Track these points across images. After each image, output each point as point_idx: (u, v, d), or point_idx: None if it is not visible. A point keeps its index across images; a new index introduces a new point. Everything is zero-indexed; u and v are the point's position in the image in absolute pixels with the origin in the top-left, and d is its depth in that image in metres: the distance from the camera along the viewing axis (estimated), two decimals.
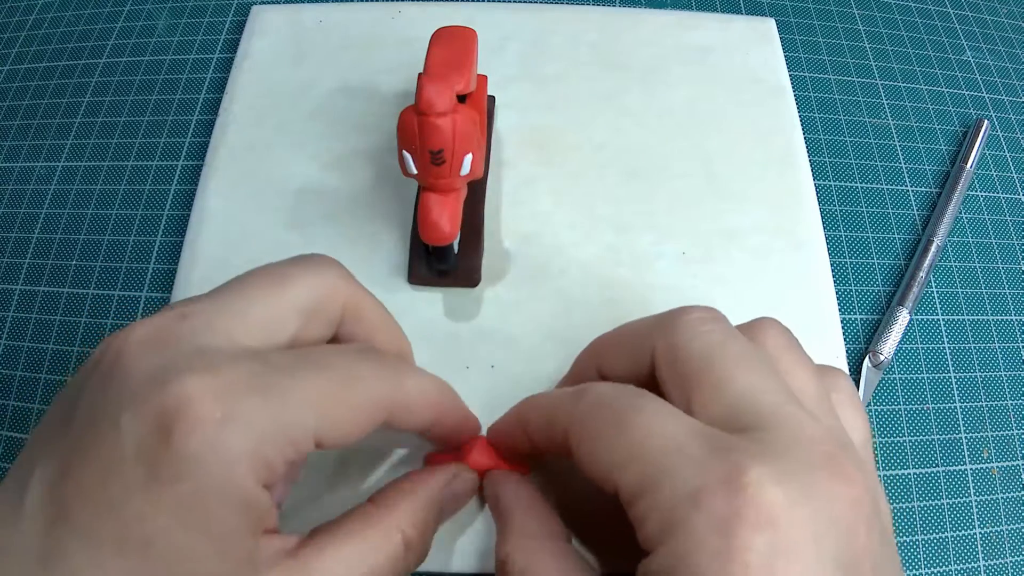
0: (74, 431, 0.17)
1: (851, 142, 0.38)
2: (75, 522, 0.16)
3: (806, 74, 0.40)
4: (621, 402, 0.19)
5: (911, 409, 0.31)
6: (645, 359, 0.21)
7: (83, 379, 0.18)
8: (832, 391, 0.21)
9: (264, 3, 0.40)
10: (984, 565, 0.29)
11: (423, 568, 0.26)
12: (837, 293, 0.32)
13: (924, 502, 0.30)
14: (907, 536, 0.29)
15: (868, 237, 0.35)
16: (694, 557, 0.16)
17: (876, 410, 0.31)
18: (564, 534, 0.22)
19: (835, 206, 0.36)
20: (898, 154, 0.38)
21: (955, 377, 0.32)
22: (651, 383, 0.21)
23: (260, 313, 0.19)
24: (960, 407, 0.32)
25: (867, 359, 0.32)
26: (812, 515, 0.16)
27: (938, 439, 0.31)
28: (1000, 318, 0.34)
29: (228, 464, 0.17)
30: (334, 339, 0.22)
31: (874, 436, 0.31)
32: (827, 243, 0.33)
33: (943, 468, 0.30)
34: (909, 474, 0.30)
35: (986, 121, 0.38)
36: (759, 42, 0.38)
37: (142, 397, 0.17)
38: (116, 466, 0.16)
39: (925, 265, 0.34)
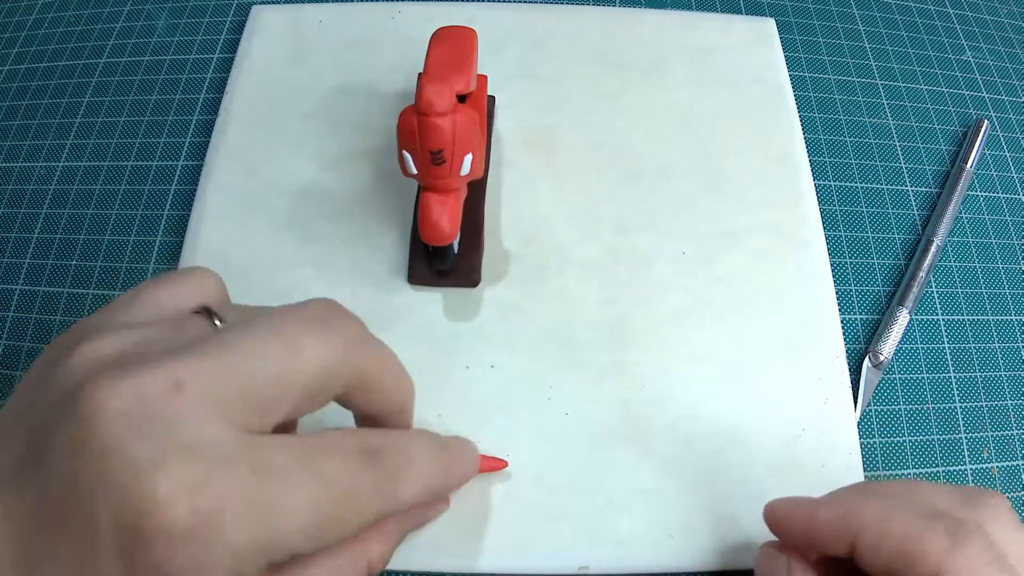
0: (45, 485, 0.16)
1: (851, 142, 0.38)
2: None
3: (806, 74, 0.40)
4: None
5: (911, 409, 0.31)
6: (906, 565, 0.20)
7: (53, 413, 0.17)
8: None
9: (264, 3, 0.40)
10: None
11: (422, 568, 0.26)
12: (837, 293, 0.32)
13: None
14: None
15: (868, 237, 0.35)
16: None
17: (876, 410, 0.31)
18: None
19: (835, 206, 0.36)
20: (898, 154, 0.38)
21: (955, 377, 0.32)
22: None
23: (264, 390, 0.18)
24: (960, 407, 0.32)
25: (867, 359, 0.32)
26: None
27: (938, 439, 0.31)
28: (1000, 318, 0.34)
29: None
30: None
31: (875, 436, 0.31)
32: (827, 243, 0.33)
33: (943, 468, 0.30)
34: (909, 474, 0.30)
35: (986, 121, 0.38)
36: (759, 42, 0.38)
37: (122, 491, 0.15)
38: (92, 557, 0.16)
39: (925, 265, 0.34)
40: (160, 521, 0.15)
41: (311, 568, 0.19)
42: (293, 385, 0.18)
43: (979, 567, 0.19)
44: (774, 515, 0.24)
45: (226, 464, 0.16)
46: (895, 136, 0.38)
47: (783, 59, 0.38)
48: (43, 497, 0.16)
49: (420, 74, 0.24)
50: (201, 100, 0.38)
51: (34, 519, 0.16)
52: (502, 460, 0.27)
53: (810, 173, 0.34)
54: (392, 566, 0.26)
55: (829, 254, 0.33)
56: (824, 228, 0.33)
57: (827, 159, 0.37)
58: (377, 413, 0.22)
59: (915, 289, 0.33)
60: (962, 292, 0.34)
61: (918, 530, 0.20)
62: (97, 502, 0.15)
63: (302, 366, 0.18)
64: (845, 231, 0.35)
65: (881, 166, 0.37)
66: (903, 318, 0.32)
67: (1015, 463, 0.31)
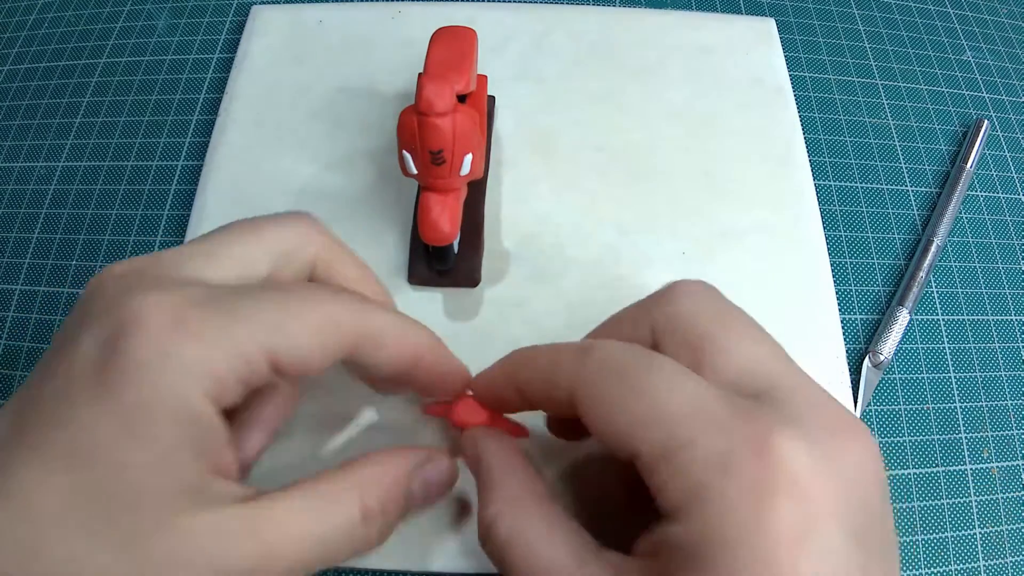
0: (44, 358, 0.18)
1: (851, 142, 0.38)
2: (29, 438, 0.16)
3: (806, 74, 0.40)
4: (636, 362, 0.18)
5: (911, 409, 0.31)
6: (644, 334, 0.21)
7: (68, 316, 0.19)
8: None
9: (264, 3, 0.40)
10: (984, 565, 0.29)
11: (425, 568, 0.26)
12: (837, 293, 0.32)
13: (924, 502, 0.30)
14: (907, 536, 0.29)
15: (868, 237, 0.35)
16: (724, 525, 0.15)
17: (876, 410, 0.31)
18: (551, 496, 0.21)
19: (835, 206, 0.36)
20: (898, 154, 0.38)
21: (955, 377, 0.32)
22: None
23: (232, 253, 0.20)
24: (960, 407, 0.32)
25: (867, 359, 0.32)
26: (835, 483, 0.16)
27: (938, 439, 0.31)
28: (1000, 318, 0.34)
29: (176, 372, 0.17)
30: None
31: (875, 435, 0.31)
32: (827, 243, 0.33)
33: (943, 468, 0.30)
34: (909, 474, 0.30)
35: (986, 121, 0.38)
36: (759, 42, 0.38)
37: (102, 314, 0.17)
38: (70, 380, 0.17)
39: (925, 265, 0.34)
40: (137, 323, 0.17)
41: (295, 494, 0.19)
42: (259, 251, 0.21)
43: (608, 362, 0.19)
44: (477, 392, 0.24)
45: (196, 285, 0.19)
46: (895, 136, 0.38)
47: (783, 59, 0.38)
48: (41, 364, 0.18)
49: (420, 74, 0.24)
50: (201, 100, 0.38)
51: (30, 388, 0.18)
52: (524, 428, 0.25)
53: (810, 173, 0.34)
54: (390, 566, 0.26)
55: (829, 254, 0.33)
56: (824, 228, 0.33)
57: (827, 159, 0.37)
58: (384, 367, 0.21)
59: (915, 289, 0.33)
60: (962, 292, 0.34)
61: (554, 358, 0.20)
62: (82, 333, 0.17)
63: (268, 236, 0.21)
64: (845, 231, 0.35)
65: (881, 166, 0.37)
66: (903, 318, 0.32)
67: (1015, 463, 0.31)
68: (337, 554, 0.19)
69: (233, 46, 0.39)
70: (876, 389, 0.32)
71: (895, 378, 0.32)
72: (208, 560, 0.16)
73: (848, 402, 0.30)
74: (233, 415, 0.21)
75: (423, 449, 0.22)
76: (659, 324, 0.20)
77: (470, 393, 0.25)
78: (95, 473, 0.16)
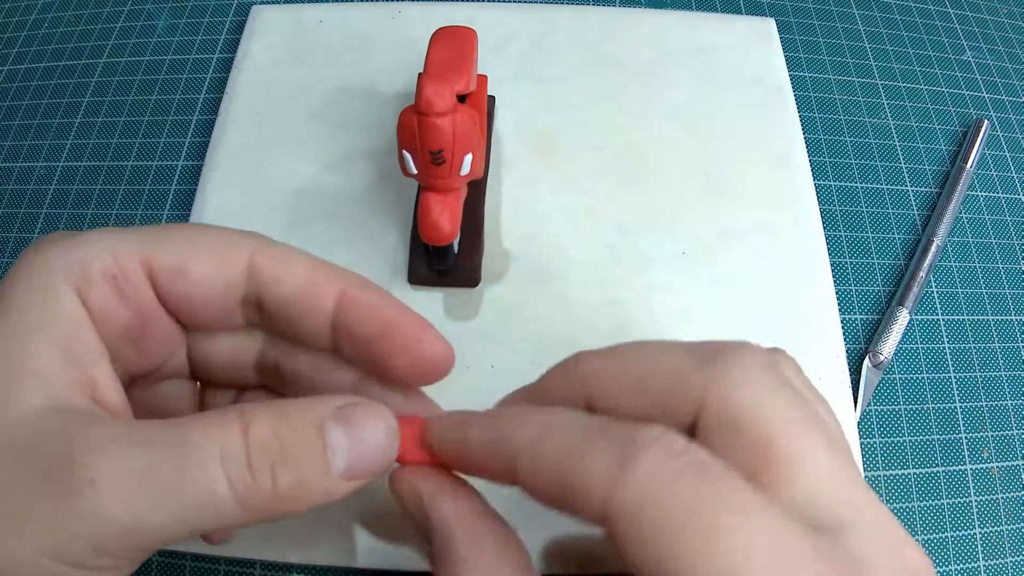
0: None
1: (851, 142, 0.38)
2: None
3: (806, 74, 0.40)
4: (702, 487, 0.14)
5: (911, 409, 0.31)
6: (676, 410, 0.16)
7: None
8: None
9: (264, 3, 0.40)
10: (984, 565, 0.29)
11: (420, 568, 0.26)
12: (837, 293, 0.32)
13: (924, 502, 0.30)
14: None
15: (868, 237, 0.35)
16: None
17: (876, 410, 0.31)
18: (529, 563, 0.17)
19: (835, 206, 0.36)
20: (898, 154, 0.38)
21: (955, 377, 0.32)
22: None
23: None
24: (960, 407, 0.32)
25: (867, 359, 0.32)
26: None
27: (938, 439, 0.31)
28: (1000, 318, 0.34)
29: (42, 257, 0.17)
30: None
31: (875, 436, 0.31)
32: (827, 243, 0.33)
33: (943, 468, 0.30)
34: (909, 474, 0.30)
35: (986, 121, 0.38)
36: (759, 42, 0.38)
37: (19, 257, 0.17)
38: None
39: (925, 265, 0.34)
40: (37, 244, 0.17)
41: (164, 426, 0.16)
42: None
43: (662, 486, 0.14)
44: (429, 437, 0.18)
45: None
46: (895, 136, 0.38)
47: (783, 59, 0.38)
48: None
49: (420, 74, 0.24)
50: (201, 100, 0.38)
51: None
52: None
53: (810, 173, 0.34)
54: (387, 566, 0.26)
55: (829, 254, 0.33)
56: (824, 228, 0.33)
57: (827, 159, 0.37)
58: (299, 305, 0.19)
59: (915, 289, 0.33)
60: (962, 292, 0.34)
61: (578, 453, 0.15)
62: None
63: (206, 235, 0.19)
64: (845, 231, 0.35)
65: (881, 166, 0.37)
66: (903, 318, 0.32)
67: (1015, 463, 0.31)
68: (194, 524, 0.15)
69: (233, 46, 0.39)
70: (876, 389, 0.32)
71: (895, 378, 0.32)
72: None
73: (848, 402, 0.30)
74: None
75: (344, 396, 0.17)
76: (707, 416, 0.16)
77: (420, 414, 0.19)
78: None
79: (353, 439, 0.16)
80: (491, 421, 0.17)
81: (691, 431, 0.16)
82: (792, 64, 0.39)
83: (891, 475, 0.30)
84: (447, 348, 0.19)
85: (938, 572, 0.29)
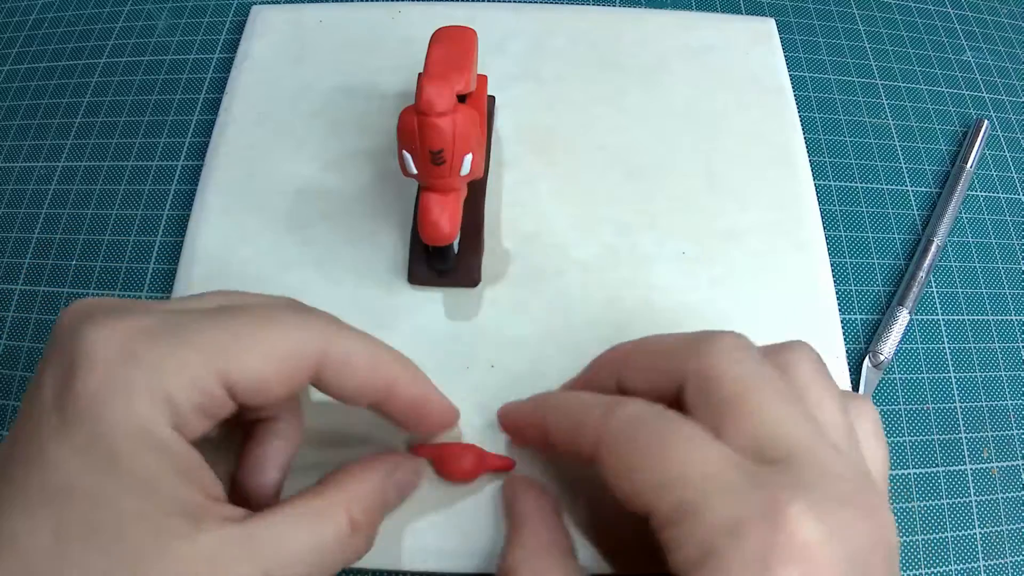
0: (23, 399, 0.18)
1: (851, 142, 0.38)
2: (10, 479, 0.17)
3: (806, 74, 0.40)
4: (659, 424, 0.19)
5: (911, 409, 0.31)
6: (673, 380, 0.21)
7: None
8: (857, 420, 0.21)
9: (264, 3, 0.40)
10: (984, 565, 0.29)
11: (419, 568, 0.26)
12: (837, 293, 0.32)
13: (924, 502, 0.30)
14: (907, 536, 0.29)
15: (868, 237, 0.35)
16: None
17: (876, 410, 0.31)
18: (572, 550, 0.22)
19: (835, 206, 0.36)
20: (898, 154, 0.38)
21: (955, 377, 0.32)
22: (674, 403, 0.21)
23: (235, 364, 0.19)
24: (960, 407, 0.32)
25: (867, 359, 0.32)
26: (841, 552, 0.16)
27: (938, 439, 0.31)
28: (1000, 318, 0.34)
29: (127, 399, 0.17)
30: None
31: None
32: (827, 243, 0.33)
33: (943, 468, 0.30)
34: (909, 474, 0.30)
35: (986, 121, 0.38)
36: (759, 42, 0.38)
37: (58, 351, 0.18)
38: (37, 420, 0.17)
39: (925, 265, 0.34)
40: (88, 356, 0.17)
41: (287, 512, 0.19)
42: (269, 358, 0.19)
43: (632, 426, 0.19)
44: (502, 417, 0.26)
45: (149, 313, 0.19)
46: (895, 136, 0.38)
47: (783, 59, 0.38)
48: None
49: (420, 74, 0.24)
50: (201, 100, 0.38)
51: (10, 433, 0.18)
52: (510, 459, 0.27)
53: (810, 173, 0.34)
54: (387, 566, 0.26)
55: (829, 254, 0.33)
56: (824, 228, 0.33)
57: (827, 159, 0.37)
58: (354, 394, 0.21)
59: (915, 289, 0.33)
60: (962, 292, 0.34)
61: (582, 412, 0.21)
62: (45, 370, 0.18)
63: (279, 341, 0.20)
64: (845, 231, 0.35)
65: (881, 166, 0.37)
66: (903, 318, 0.32)
67: (1015, 463, 0.31)
68: (331, 567, 0.20)
69: (233, 46, 0.39)
70: (876, 389, 0.32)
71: (895, 378, 0.32)
72: None
73: None
74: (245, 456, 0.22)
75: (393, 455, 0.24)
76: (690, 377, 0.20)
77: (462, 441, 0.27)
78: (75, 508, 0.16)
79: (398, 486, 0.23)
80: (531, 401, 0.25)
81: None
82: (792, 64, 0.39)
83: (891, 475, 0.30)
84: (457, 418, 0.26)
85: (938, 572, 0.29)
